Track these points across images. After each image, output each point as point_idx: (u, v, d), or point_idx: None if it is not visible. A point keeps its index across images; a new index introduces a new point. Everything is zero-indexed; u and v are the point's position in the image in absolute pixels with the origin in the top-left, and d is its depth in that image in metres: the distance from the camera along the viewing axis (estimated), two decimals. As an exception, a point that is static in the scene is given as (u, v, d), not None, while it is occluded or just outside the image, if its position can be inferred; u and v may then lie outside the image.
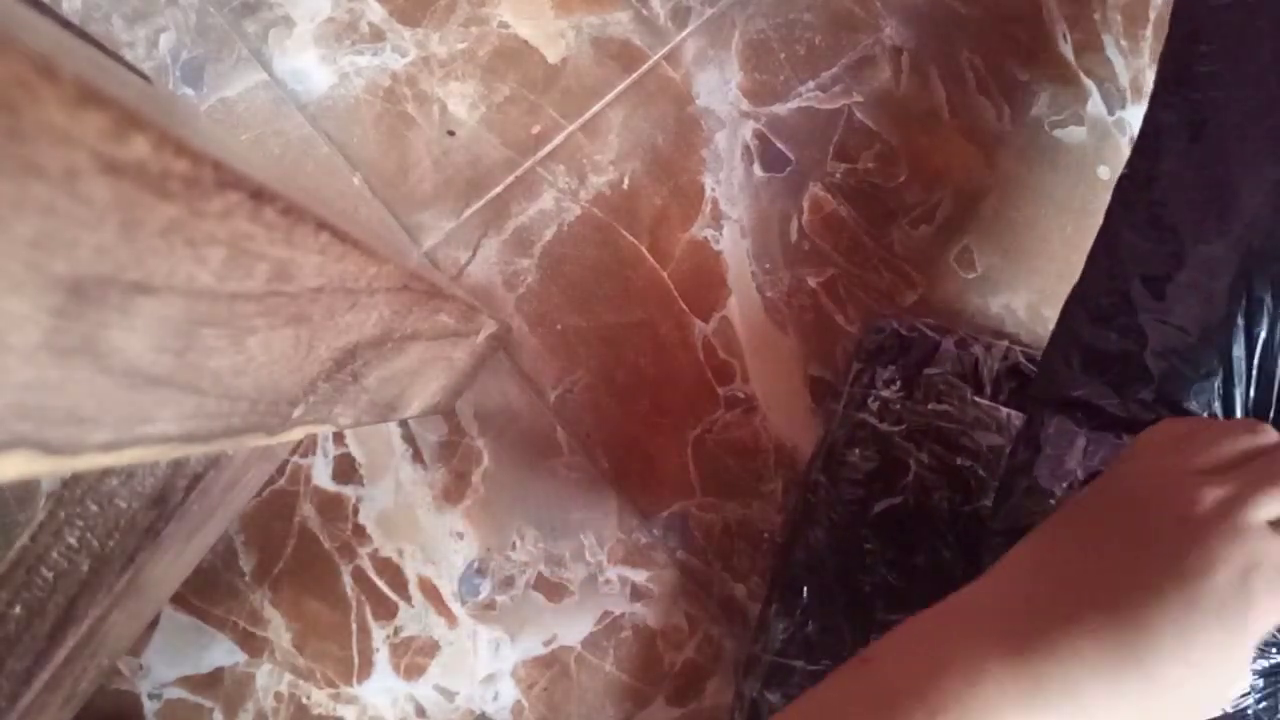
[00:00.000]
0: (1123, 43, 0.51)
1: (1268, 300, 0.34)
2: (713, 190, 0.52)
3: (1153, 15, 0.51)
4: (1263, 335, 0.34)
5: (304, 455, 0.53)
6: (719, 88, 0.53)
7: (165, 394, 0.19)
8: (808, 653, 0.44)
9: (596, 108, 0.53)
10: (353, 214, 0.53)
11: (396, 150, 0.53)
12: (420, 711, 0.52)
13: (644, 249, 0.52)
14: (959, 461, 0.44)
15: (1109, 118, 0.51)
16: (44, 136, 0.12)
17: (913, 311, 0.51)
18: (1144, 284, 0.35)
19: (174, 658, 0.53)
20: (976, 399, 0.45)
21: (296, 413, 0.28)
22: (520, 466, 0.52)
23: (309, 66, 0.53)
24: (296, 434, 0.29)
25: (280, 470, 0.53)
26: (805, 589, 0.45)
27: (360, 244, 0.25)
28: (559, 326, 0.52)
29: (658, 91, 0.53)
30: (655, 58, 0.53)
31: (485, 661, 0.52)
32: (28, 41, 0.11)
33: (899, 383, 0.46)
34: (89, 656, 0.45)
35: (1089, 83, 0.51)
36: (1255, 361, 0.34)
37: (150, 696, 0.53)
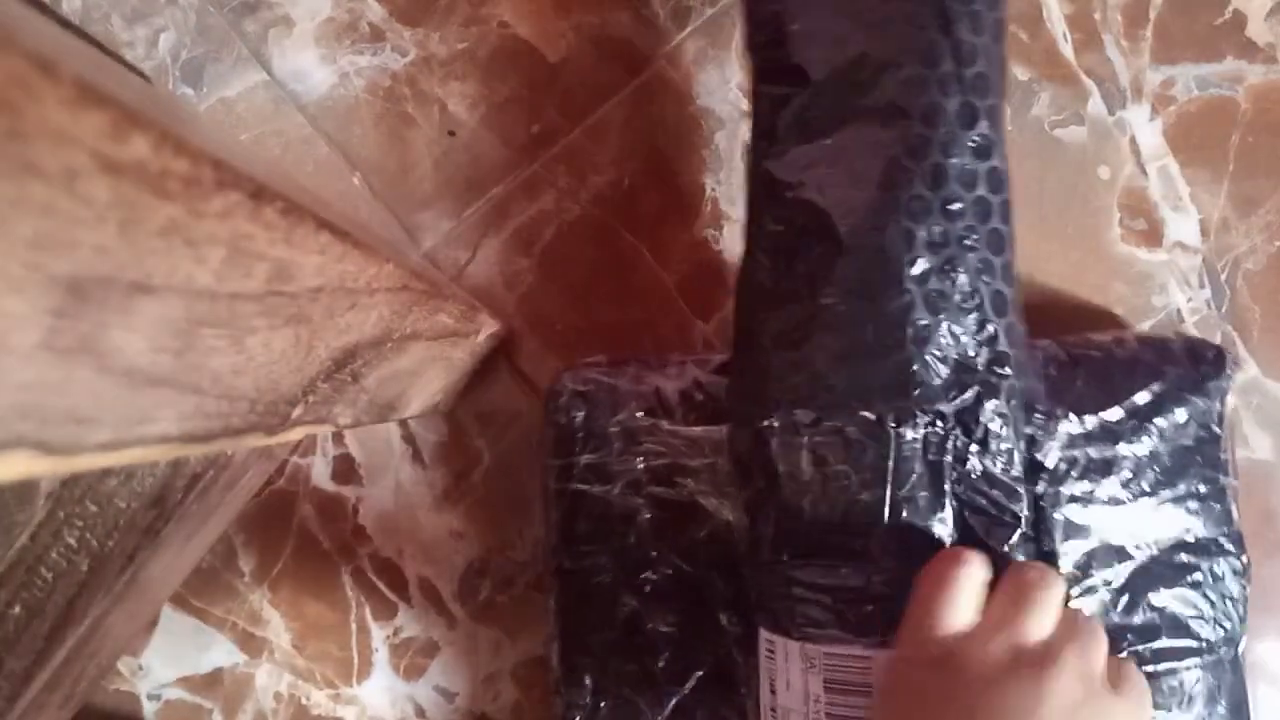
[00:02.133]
0: (1123, 43, 0.51)
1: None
2: (713, 190, 0.52)
3: (1153, 15, 0.51)
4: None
5: (303, 455, 0.53)
6: (719, 88, 0.53)
7: (165, 394, 0.19)
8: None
9: (597, 108, 0.53)
10: (353, 214, 0.53)
11: (396, 150, 0.53)
12: (420, 712, 0.52)
13: (644, 249, 0.52)
14: (683, 494, 0.43)
15: (1109, 118, 0.51)
16: (43, 136, 0.12)
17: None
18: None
19: (173, 658, 0.53)
20: (669, 426, 0.43)
21: (296, 413, 0.28)
22: (520, 466, 0.52)
23: (309, 66, 0.53)
24: (296, 434, 0.29)
25: (280, 470, 0.53)
26: (587, 677, 0.44)
27: (360, 244, 0.25)
28: (559, 326, 0.52)
29: (658, 91, 0.53)
30: (655, 58, 0.53)
31: (485, 662, 0.52)
32: (27, 41, 0.11)
33: (594, 442, 0.44)
34: (88, 657, 0.45)
35: (1089, 83, 0.51)
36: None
37: (149, 697, 0.53)
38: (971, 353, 0.34)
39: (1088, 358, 0.42)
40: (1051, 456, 0.39)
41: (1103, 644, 0.31)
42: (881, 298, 0.34)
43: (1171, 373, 0.41)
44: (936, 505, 0.34)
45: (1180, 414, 0.41)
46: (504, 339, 0.52)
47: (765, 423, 0.36)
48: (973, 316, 0.34)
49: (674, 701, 0.43)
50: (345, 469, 0.53)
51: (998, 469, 0.34)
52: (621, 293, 0.52)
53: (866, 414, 0.34)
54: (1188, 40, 0.51)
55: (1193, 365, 0.42)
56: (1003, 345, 0.34)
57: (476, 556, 0.52)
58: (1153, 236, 0.51)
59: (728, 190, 0.53)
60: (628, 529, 0.43)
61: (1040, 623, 0.30)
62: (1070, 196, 0.51)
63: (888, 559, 0.34)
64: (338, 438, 0.53)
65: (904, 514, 0.34)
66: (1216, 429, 0.41)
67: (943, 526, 0.34)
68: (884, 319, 0.34)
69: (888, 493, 0.34)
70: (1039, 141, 0.51)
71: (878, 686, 0.32)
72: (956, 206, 0.34)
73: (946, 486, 0.34)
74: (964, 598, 0.31)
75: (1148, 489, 0.40)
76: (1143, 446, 0.40)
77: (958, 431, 0.34)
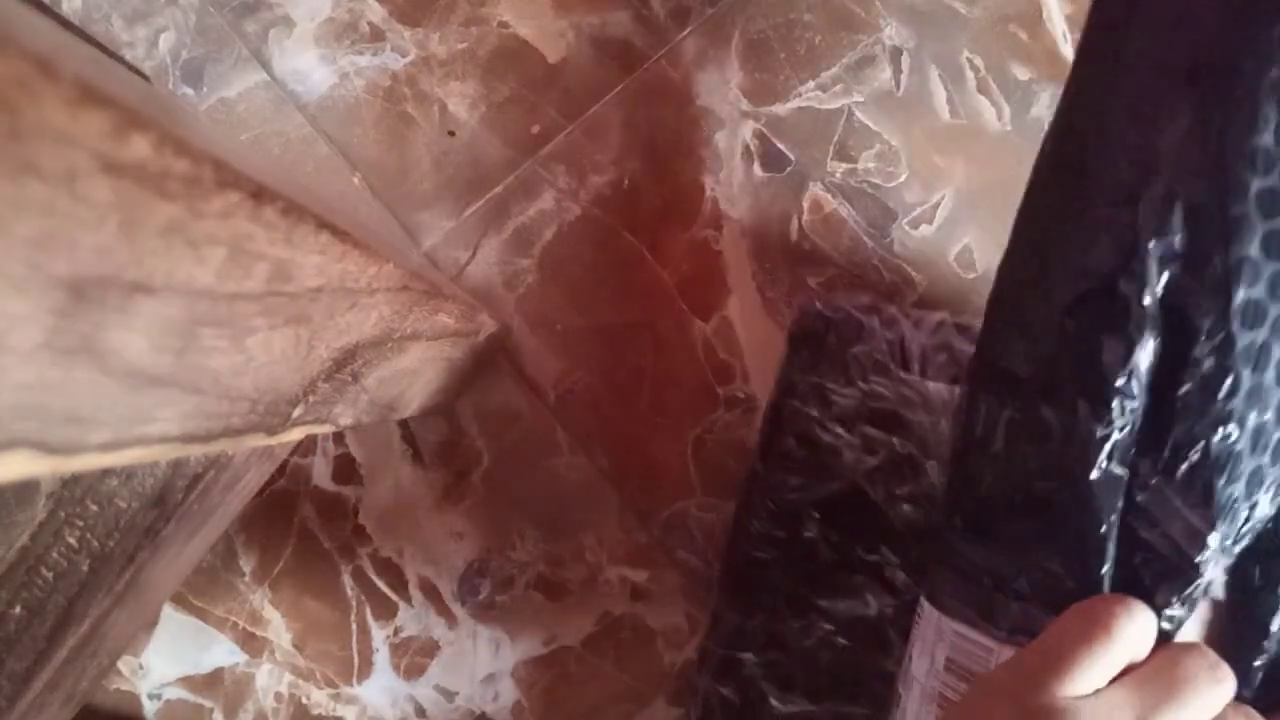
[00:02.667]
0: (1123, 43, 0.51)
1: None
2: (713, 190, 0.52)
3: (1153, 15, 0.51)
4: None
5: (304, 455, 0.53)
6: (719, 87, 0.53)
7: (165, 394, 0.19)
8: (756, 645, 0.44)
9: (597, 108, 0.53)
10: (353, 214, 0.53)
11: (396, 150, 0.53)
12: (420, 711, 0.52)
13: (644, 249, 0.52)
14: (894, 441, 0.44)
15: (1109, 118, 0.51)
16: (44, 136, 0.12)
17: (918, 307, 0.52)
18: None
19: (174, 658, 0.53)
20: (904, 375, 0.44)
21: (296, 413, 0.28)
22: (520, 466, 0.52)
23: (309, 66, 0.53)
24: (296, 434, 0.29)
25: (280, 470, 0.53)
26: (749, 581, 0.44)
27: (360, 244, 0.25)
28: (559, 326, 0.52)
29: (658, 91, 0.53)
30: (655, 58, 0.53)
31: (485, 661, 0.52)
32: (27, 41, 0.11)
33: (828, 366, 0.45)
34: (89, 656, 0.45)
35: (1089, 83, 0.51)
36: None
37: (150, 696, 0.53)
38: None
39: None
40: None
41: (1197, 707, 0.25)
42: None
43: None
44: (1105, 522, 0.30)
45: None
46: (504, 339, 0.52)
47: (983, 384, 0.33)
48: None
49: (823, 633, 0.43)
50: (346, 469, 0.53)
51: (1187, 504, 0.29)
52: (621, 293, 0.52)
53: (1065, 399, 0.31)
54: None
55: None
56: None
57: (476, 556, 0.52)
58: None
59: (727, 190, 0.53)
60: (829, 457, 0.44)
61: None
62: (1070, 196, 0.51)
63: (1040, 560, 0.31)
64: (338, 438, 0.53)
65: (1070, 517, 0.30)
66: None
67: (1103, 548, 0.30)
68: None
69: (1056, 487, 0.30)
70: (1039, 141, 0.51)
71: (966, 692, 0.28)
72: None
73: (1118, 503, 0.29)
74: (1099, 669, 0.25)
75: None
76: None
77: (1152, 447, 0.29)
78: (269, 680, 0.53)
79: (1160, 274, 0.30)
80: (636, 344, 0.52)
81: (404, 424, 0.52)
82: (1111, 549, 0.29)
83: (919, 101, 0.53)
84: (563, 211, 0.53)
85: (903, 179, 0.53)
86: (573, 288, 0.52)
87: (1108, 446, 0.30)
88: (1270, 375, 0.29)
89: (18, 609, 0.39)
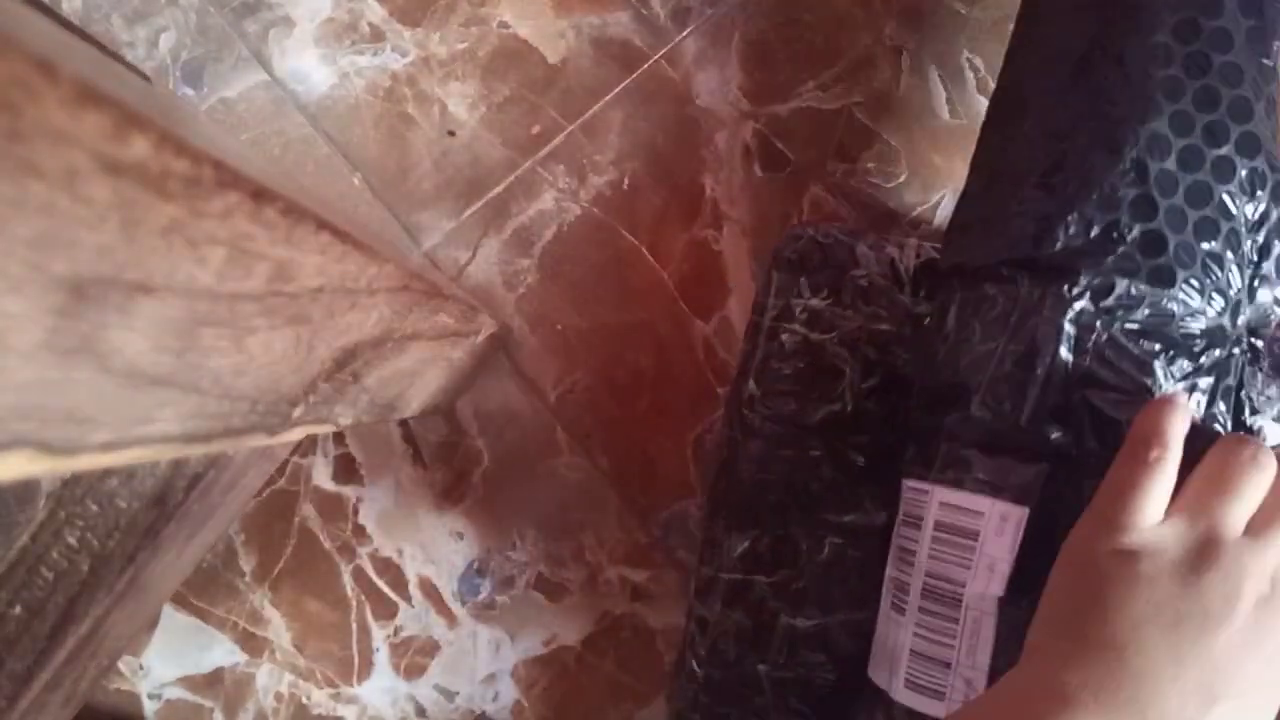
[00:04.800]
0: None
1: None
2: (712, 190, 0.52)
3: (1153, 15, 0.51)
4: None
5: (304, 455, 0.53)
6: (719, 88, 0.53)
7: (165, 394, 0.19)
8: (765, 566, 0.44)
9: (596, 108, 0.53)
10: (353, 214, 0.53)
11: (396, 150, 0.53)
12: (420, 711, 0.52)
13: (644, 249, 0.52)
14: (896, 362, 0.44)
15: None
16: (43, 136, 0.12)
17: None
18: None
19: (174, 658, 0.53)
20: (903, 297, 0.44)
21: (297, 413, 0.28)
22: (520, 466, 0.52)
23: (309, 67, 0.53)
24: (297, 434, 0.29)
25: (280, 470, 0.53)
26: (753, 503, 0.44)
27: (360, 244, 0.25)
28: (559, 326, 0.52)
29: (658, 91, 0.53)
30: (655, 58, 0.53)
31: (485, 661, 0.52)
32: (27, 41, 0.11)
33: (825, 290, 0.45)
34: (89, 657, 0.45)
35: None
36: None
37: (150, 696, 0.53)
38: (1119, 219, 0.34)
39: None
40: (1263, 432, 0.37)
41: None
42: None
43: None
44: (1062, 370, 0.33)
45: None
46: (504, 339, 0.52)
47: (939, 281, 0.38)
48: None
49: (833, 547, 0.43)
50: (346, 469, 0.53)
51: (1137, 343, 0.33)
52: (621, 292, 0.52)
53: (1004, 270, 0.35)
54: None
55: None
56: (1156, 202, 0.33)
57: (477, 556, 0.52)
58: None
59: (727, 190, 0.53)
60: (830, 379, 0.45)
61: (1241, 511, 0.28)
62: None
63: (986, 412, 0.34)
64: (338, 437, 0.53)
65: (1011, 369, 0.34)
66: None
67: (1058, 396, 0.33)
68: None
69: (1001, 348, 0.34)
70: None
71: (1058, 563, 0.30)
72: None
73: (1065, 354, 0.33)
74: (1158, 490, 0.28)
75: None
76: None
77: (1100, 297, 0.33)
78: (269, 680, 0.53)
79: None
80: (636, 344, 0.52)
81: (404, 424, 0.52)
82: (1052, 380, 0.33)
83: (919, 101, 0.53)
84: (563, 212, 0.53)
85: (902, 179, 0.53)
86: (573, 288, 0.52)
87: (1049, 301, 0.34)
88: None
89: (18, 609, 0.39)
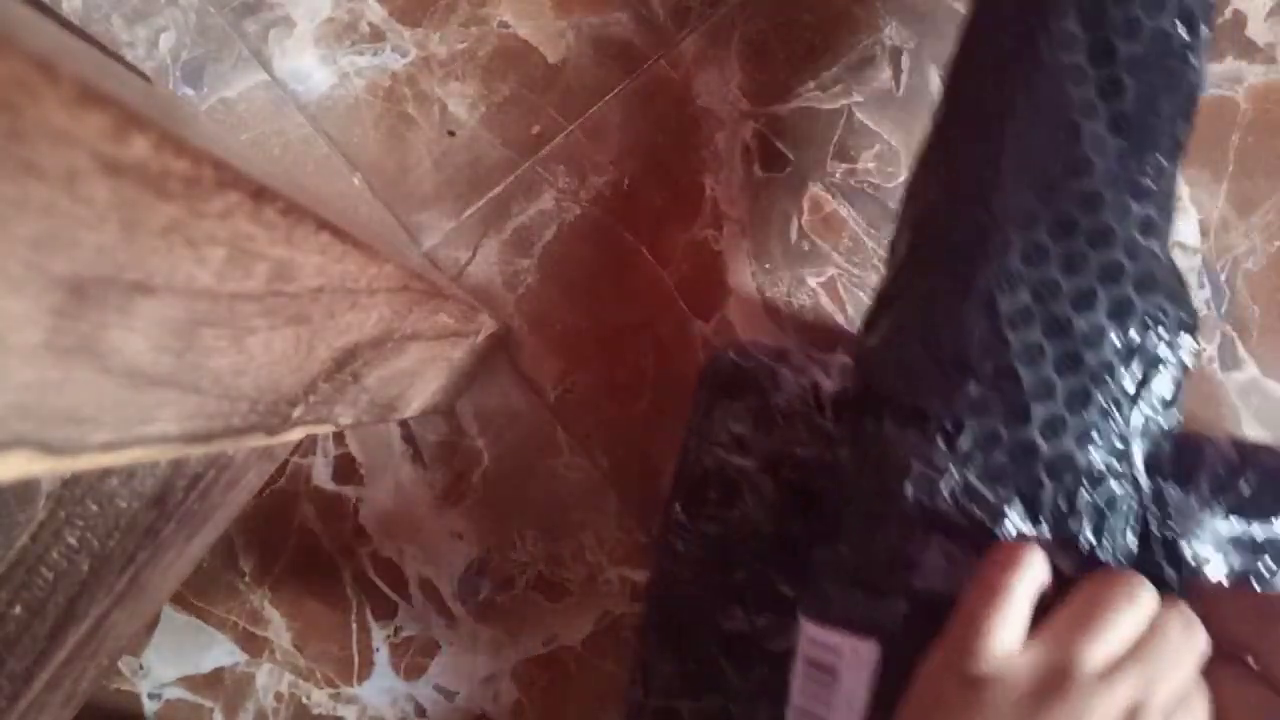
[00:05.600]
0: (1123, 43, 0.51)
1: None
2: (712, 190, 0.52)
3: (1153, 15, 0.51)
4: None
5: (304, 455, 0.53)
6: (719, 88, 0.53)
7: (165, 394, 0.19)
8: (693, 691, 0.43)
9: (597, 108, 0.53)
10: (353, 214, 0.53)
11: (397, 150, 0.53)
12: (420, 711, 0.52)
13: (644, 249, 0.52)
14: (815, 488, 0.43)
15: (1109, 118, 0.51)
16: (44, 137, 0.12)
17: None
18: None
19: (174, 658, 0.53)
20: (822, 421, 0.44)
21: (297, 413, 0.28)
22: (520, 466, 0.52)
23: (309, 67, 0.53)
24: (297, 434, 0.29)
25: (280, 470, 0.53)
26: (680, 625, 0.44)
27: (360, 244, 0.25)
28: (559, 326, 0.52)
29: (657, 92, 0.53)
30: (655, 58, 0.53)
31: (485, 661, 0.52)
32: (28, 42, 0.11)
33: (746, 414, 0.44)
34: (89, 656, 0.45)
35: (1089, 83, 0.51)
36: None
37: (150, 696, 0.53)
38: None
39: (1261, 463, 0.38)
40: (1192, 552, 0.35)
41: (1181, 672, 0.26)
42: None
43: None
44: (915, 511, 0.33)
45: None
46: (504, 339, 0.52)
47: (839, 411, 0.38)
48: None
49: (762, 673, 0.43)
50: (346, 469, 0.53)
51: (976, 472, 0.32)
52: (621, 292, 0.52)
53: (874, 405, 0.35)
54: (1187, 40, 0.51)
55: None
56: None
57: (476, 556, 0.52)
58: (1152, 236, 0.51)
59: (727, 190, 0.53)
60: (753, 505, 0.44)
61: (1100, 647, 0.26)
62: (1070, 196, 0.51)
63: (848, 548, 0.34)
64: (338, 438, 0.53)
65: (870, 506, 0.34)
66: None
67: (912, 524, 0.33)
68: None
69: (866, 485, 0.34)
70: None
71: (909, 691, 0.30)
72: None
73: (915, 495, 0.33)
74: (1014, 615, 0.27)
75: None
76: None
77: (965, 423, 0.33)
78: (269, 680, 0.53)
79: None
80: (636, 344, 0.52)
81: (404, 424, 0.52)
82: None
83: (919, 101, 0.53)
84: (563, 212, 0.53)
85: (902, 179, 0.53)
86: (573, 288, 0.52)
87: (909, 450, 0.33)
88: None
89: (18, 609, 0.39)
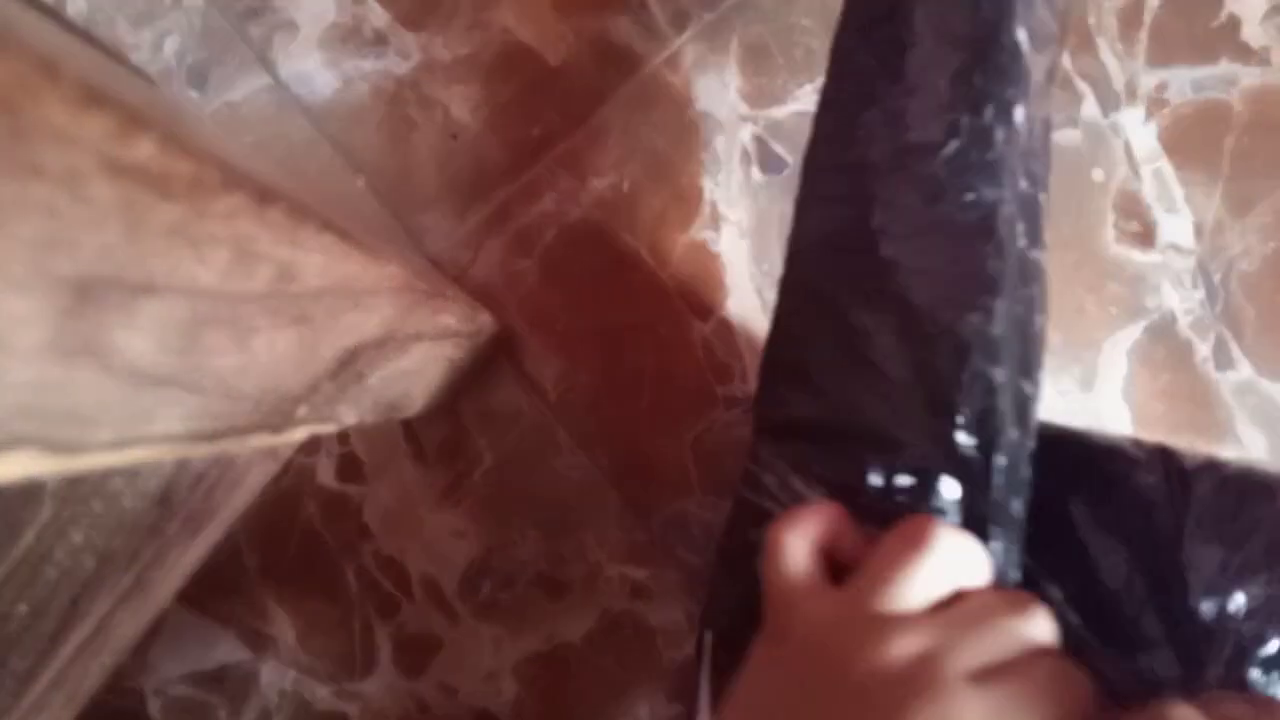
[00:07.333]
0: (1117, 45, 0.51)
1: None
2: (711, 193, 0.53)
3: (1148, 19, 0.51)
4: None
5: (308, 454, 0.53)
6: (718, 91, 0.53)
7: (168, 394, 0.20)
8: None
9: (597, 111, 0.53)
10: (356, 216, 0.53)
11: (400, 153, 0.53)
12: (422, 708, 0.53)
13: (643, 251, 0.53)
14: None
15: (1104, 120, 0.51)
16: (47, 138, 0.12)
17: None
18: None
19: (178, 655, 0.53)
20: None
21: (300, 412, 0.28)
22: (521, 466, 0.52)
23: (313, 70, 0.53)
24: (300, 433, 0.29)
25: (284, 469, 0.53)
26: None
27: (363, 245, 0.25)
28: (559, 327, 0.53)
29: (657, 95, 0.53)
30: (655, 62, 0.53)
31: (487, 659, 0.52)
32: (31, 43, 0.12)
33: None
34: (93, 654, 0.45)
35: (1083, 85, 0.51)
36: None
37: (155, 694, 0.53)
38: None
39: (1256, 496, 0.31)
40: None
41: (991, 639, 0.24)
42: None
43: None
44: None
45: None
46: (505, 339, 0.52)
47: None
48: None
49: None
50: (349, 468, 0.53)
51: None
52: (621, 294, 0.52)
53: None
54: (1183, 43, 0.51)
55: None
56: None
57: (478, 555, 0.52)
58: (1146, 238, 0.51)
59: (725, 193, 0.53)
60: None
61: (898, 594, 0.25)
62: (1065, 199, 0.51)
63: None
64: (342, 437, 0.53)
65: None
66: None
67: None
68: None
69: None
70: (1037, 143, 0.51)
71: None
72: None
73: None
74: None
75: None
76: None
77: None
78: (273, 677, 0.53)
79: None
80: (636, 344, 0.52)
81: (407, 423, 0.53)
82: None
83: (918, 103, 0.53)
84: (563, 214, 0.53)
85: (902, 180, 0.53)
86: (573, 289, 0.53)
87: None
88: None
89: (23, 607, 0.39)
